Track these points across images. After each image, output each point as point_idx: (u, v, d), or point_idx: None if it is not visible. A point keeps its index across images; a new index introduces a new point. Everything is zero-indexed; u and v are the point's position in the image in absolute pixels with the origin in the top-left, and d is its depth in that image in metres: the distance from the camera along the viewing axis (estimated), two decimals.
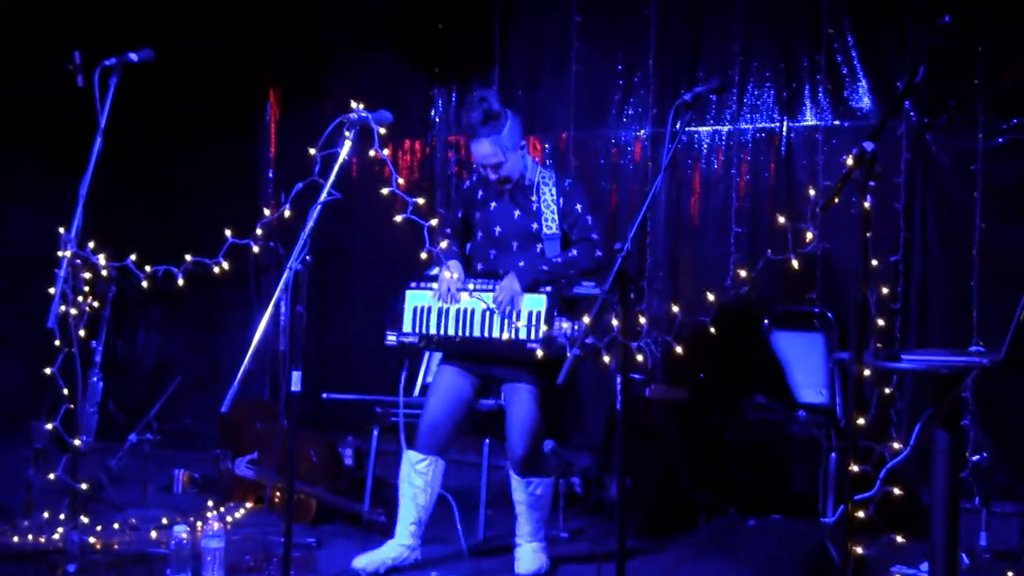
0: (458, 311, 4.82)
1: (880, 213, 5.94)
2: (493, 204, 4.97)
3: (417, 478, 4.89)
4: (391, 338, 5.01)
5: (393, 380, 5.79)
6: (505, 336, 4.67)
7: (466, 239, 5.10)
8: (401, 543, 4.91)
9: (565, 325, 4.59)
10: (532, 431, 4.81)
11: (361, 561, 4.84)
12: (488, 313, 4.73)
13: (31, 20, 7.17)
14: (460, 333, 4.82)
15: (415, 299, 4.96)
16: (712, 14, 6.61)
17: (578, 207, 4.86)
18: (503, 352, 4.73)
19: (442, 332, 4.87)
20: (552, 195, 4.86)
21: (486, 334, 4.76)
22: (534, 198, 4.87)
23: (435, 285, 4.89)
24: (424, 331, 4.92)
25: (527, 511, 4.91)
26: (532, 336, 4.63)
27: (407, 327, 4.96)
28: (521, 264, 4.77)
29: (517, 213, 4.90)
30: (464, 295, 4.79)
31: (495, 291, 4.72)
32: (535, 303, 4.67)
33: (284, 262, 3.97)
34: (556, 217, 4.83)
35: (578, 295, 4.80)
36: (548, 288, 4.68)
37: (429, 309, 4.90)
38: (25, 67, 6.90)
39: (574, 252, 4.80)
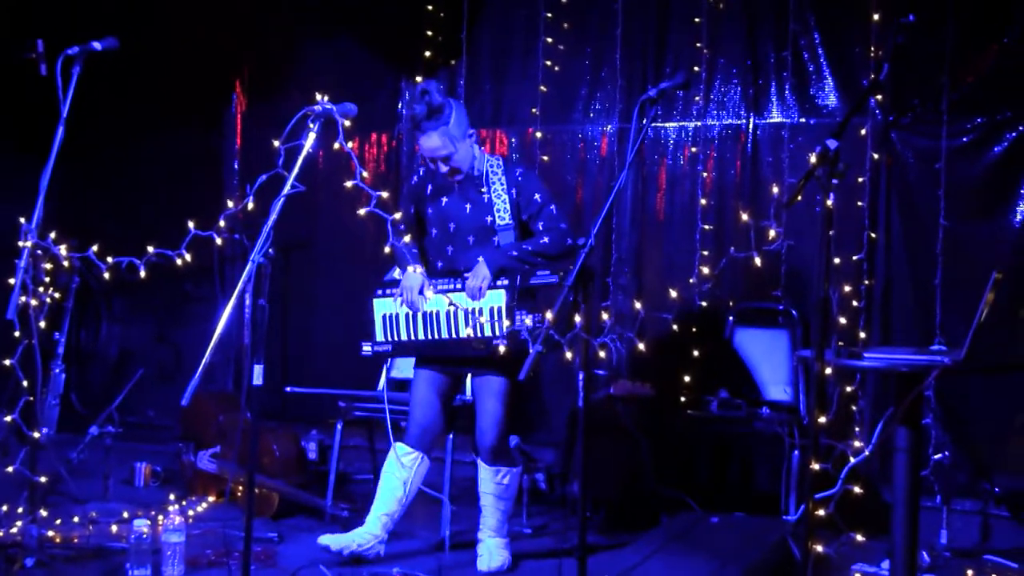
0: (425, 315, 4.81)
1: (845, 211, 5.97)
2: (444, 199, 4.92)
3: (401, 470, 4.90)
4: (366, 349, 5.02)
5: (358, 374, 5.77)
6: (468, 333, 4.67)
7: (420, 235, 5.06)
8: (370, 531, 4.89)
9: (528, 320, 4.57)
10: (502, 420, 4.82)
11: (328, 539, 4.85)
12: (452, 312, 4.72)
13: None
14: (428, 336, 4.82)
15: (382, 307, 4.96)
16: (679, 10, 6.62)
17: (537, 197, 4.80)
18: (469, 350, 4.73)
19: (412, 337, 4.87)
20: (503, 185, 4.82)
21: (452, 334, 4.75)
22: (484, 189, 4.83)
23: (398, 290, 4.89)
24: (396, 338, 4.92)
25: (493, 502, 4.92)
26: (496, 332, 4.61)
27: (379, 336, 4.97)
28: (485, 253, 4.73)
29: (469, 207, 4.85)
30: (429, 293, 4.76)
31: (468, 279, 4.68)
32: (495, 298, 4.65)
33: (249, 254, 3.93)
34: (509, 207, 4.80)
35: (536, 285, 4.67)
36: (506, 281, 4.65)
37: (397, 316, 4.90)
38: None
39: (545, 240, 4.74)
